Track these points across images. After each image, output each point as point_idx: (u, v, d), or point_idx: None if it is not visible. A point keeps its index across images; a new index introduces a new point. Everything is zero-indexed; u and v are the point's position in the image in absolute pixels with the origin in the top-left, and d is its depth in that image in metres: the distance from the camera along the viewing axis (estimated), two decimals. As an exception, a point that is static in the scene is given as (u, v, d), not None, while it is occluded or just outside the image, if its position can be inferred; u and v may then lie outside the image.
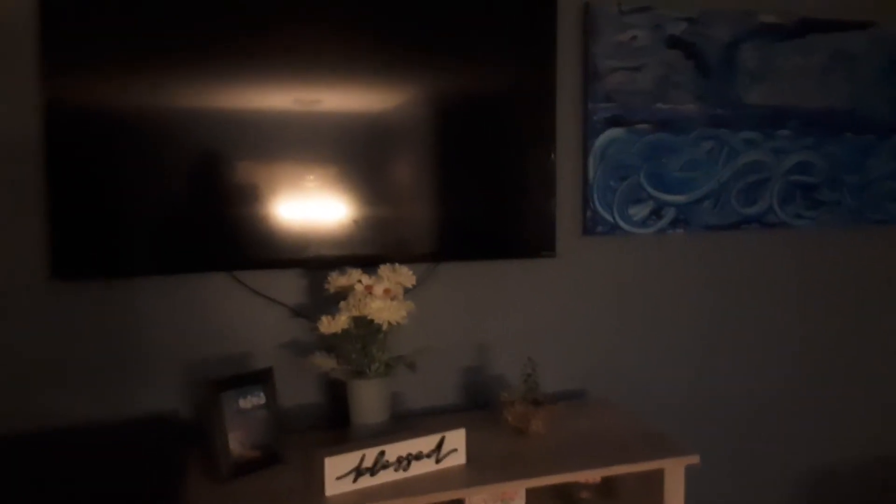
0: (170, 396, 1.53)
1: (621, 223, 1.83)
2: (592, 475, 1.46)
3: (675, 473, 1.45)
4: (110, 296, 1.48)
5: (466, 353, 1.76)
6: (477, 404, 1.76)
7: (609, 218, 1.82)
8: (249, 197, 1.49)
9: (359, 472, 1.29)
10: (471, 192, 1.67)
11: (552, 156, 1.71)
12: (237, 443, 1.35)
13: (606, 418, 1.66)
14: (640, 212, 1.84)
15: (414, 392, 1.70)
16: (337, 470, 1.26)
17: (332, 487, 1.26)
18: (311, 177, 1.53)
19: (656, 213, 1.86)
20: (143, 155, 1.43)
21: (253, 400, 1.39)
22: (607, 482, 1.55)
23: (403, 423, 1.52)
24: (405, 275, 1.47)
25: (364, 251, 1.58)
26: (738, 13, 1.90)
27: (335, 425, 1.61)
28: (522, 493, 1.52)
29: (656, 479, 1.46)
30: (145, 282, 1.50)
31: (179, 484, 1.25)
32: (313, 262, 1.56)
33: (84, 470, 1.41)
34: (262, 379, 1.41)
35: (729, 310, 2.00)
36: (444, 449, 1.38)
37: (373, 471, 1.30)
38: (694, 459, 1.45)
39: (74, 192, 1.39)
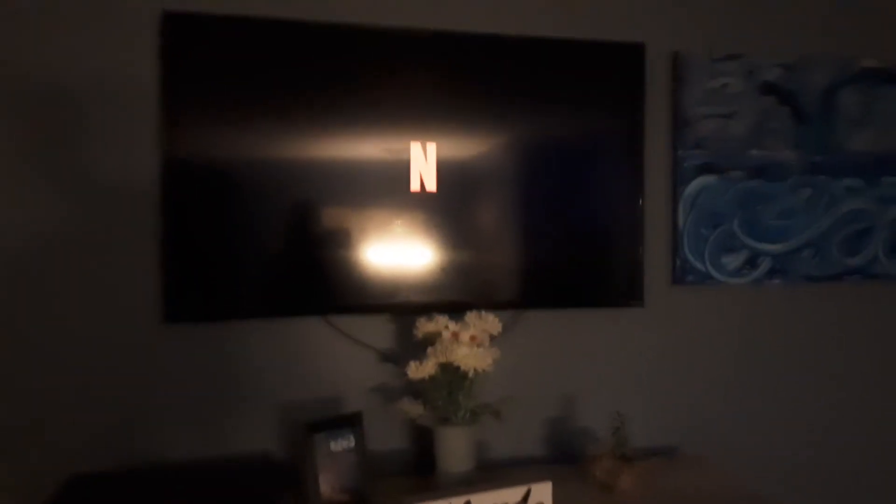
0: (263, 436, 1.58)
1: (713, 272, 1.78)
2: (686, 537, 1.40)
3: (776, 540, 1.36)
4: (213, 338, 1.56)
5: (551, 403, 1.74)
6: (562, 456, 1.72)
7: (700, 267, 1.77)
8: (342, 244, 1.55)
9: (445, 520, 1.28)
10: (556, 240, 1.67)
11: (640, 202, 1.70)
12: (327, 485, 1.37)
13: (699, 477, 1.59)
14: (733, 261, 1.79)
15: (498, 441, 1.69)
16: (423, 518, 1.26)
17: (418, 535, 1.26)
18: (399, 222, 1.57)
19: (751, 262, 1.80)
20: (245, 206, 1.51)
21: (343, 443, 1.41)
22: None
23: (488, 472, 1.51)
24: (491, 322, 1.48)
25: (451, 297, 1.60)
26: (837, 58, 1.85)
27: (421, 471, 1.61)
28: (611, 552, 1.47)
29: (756, 545, 1.38)
30: (245, 325, 1.57)
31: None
32: (401, 307, 1.59)
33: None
34: (352, 423, 1.44)
35: (830, 366, 1.89)
36: (531, 502, 1.36)
37: (459, 520, 1.29)
38: (797, 526, 1.37)
39: (185, 242, 1.49)
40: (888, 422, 1.92)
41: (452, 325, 1.45)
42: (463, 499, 1.30)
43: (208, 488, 1.40)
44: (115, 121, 1.50)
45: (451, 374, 1.43)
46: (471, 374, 1.42)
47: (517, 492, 1.35)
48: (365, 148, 1.55)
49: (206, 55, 1.48)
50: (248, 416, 1.58)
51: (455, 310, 1.52)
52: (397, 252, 1.57)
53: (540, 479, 1.38)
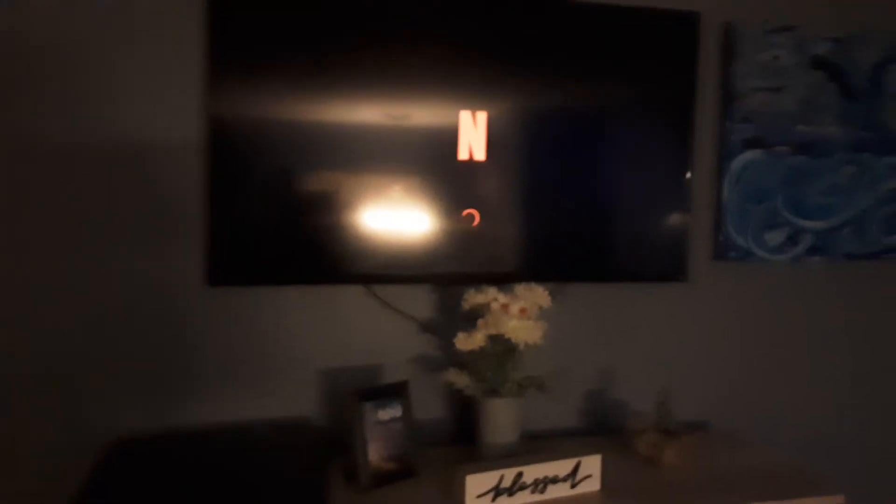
0: (303, 402, 1.57)
1: (755, 249, 1.76)
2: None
3: (820, 515, 1.38)
4: (256, 302, 1.54)
5: (590, 376, 1.73)
6: (599, 428, 1.72)
7: (742, 243, 1.75)
8: (386, 212, 1.52)
9: (497, 491, 1.28)
10: (602, 212, 1.65)
11: (688, 176, 1.67)
12: (375, 454, 1.37)
13: (740, 451, 1.60)
14: (775, 238, 1.77)
15: (536, 412, 1.67)
16: (477, 488, 1.27)
17: (471, 505, 1.26)
18: (443, 191, 1.54)
19: (792, 239, 1.79)
20: (289, 172, 1.48)
21: (390, 412, 1.41)
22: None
23: (531, 444, 1.51)
24: (541, 295, 1.46)
25: (493, 268, 1.59)
26: (886, 34, 1.81)
27: (459, 441, 1.61)
28: (657, 525, 1.48)
29: (799, 519, 1.39)
30: (287, 290, 1.55)
31: (323, 490, 1.28)
32: (442, 277, 1.57)
33: (230, 470, 1.47)
34: (399, 392, 1.44)
35: (868, 345, 1.89)
36: (580, 474, 1.36)
37: (511, 491, 1.30)
38: (839, 500, 1.38)
39: (229, 205, 1.45)
40: (918, 400, 1.94)
41: (502, 297, 1.44)
42: (515, 470, 1.31)
43: (254, 453, 1.39)
44: (159, 81, 1.45)
45: (501, 346, 1.42)
46: (521, 346, 1.41)
47: (567, 464, 1.36)
48: (413, 115, 1.51)
49: (251, 18, 1.43)
50: (289, 381, 1.57)
51: (497, 281, 1.50)
52: (439, 221, 1.55)
53: (584, 451, 1.39)
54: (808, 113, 1.77)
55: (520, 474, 1.31)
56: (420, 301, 1.63)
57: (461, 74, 1.54)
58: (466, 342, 1.42)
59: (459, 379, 1.46)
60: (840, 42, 1.77)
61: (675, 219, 1.67)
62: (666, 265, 1.69)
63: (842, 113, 1.79)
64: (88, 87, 1.43)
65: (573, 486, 1.36)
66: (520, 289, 1.46)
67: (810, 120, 1.77)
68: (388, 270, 1.54)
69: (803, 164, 1.77)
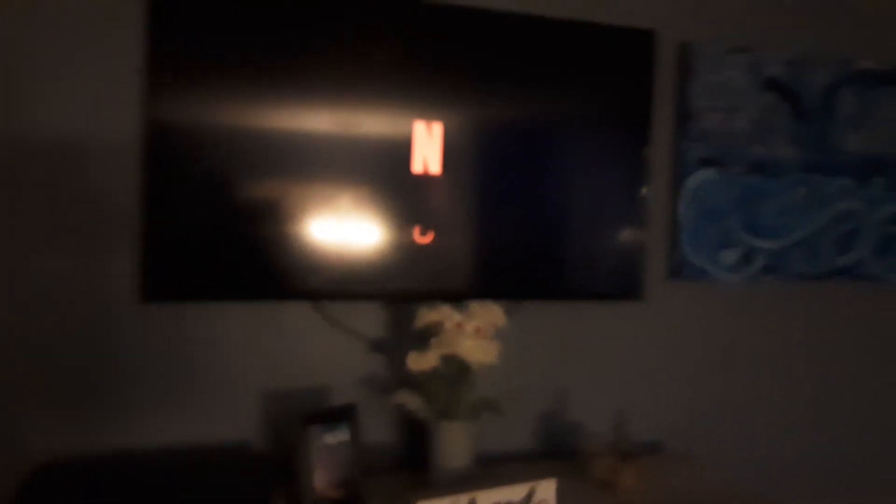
0: (241, 425, 1.49)
1: (709, 268, 1.75)
2: (687, 537, 1.38)
3: (777, 540, 1.35)
4: (192, 320, 1.45)
5: (545, 396, 1.69)
6: (553, 450, 1.68)
7: (696, 262, 1.74)
8: (334, 226, 1.45)
9: (449, 520, 1.22)
10: (556, 230, 1.61)
11: (643, 194, 1.65)
12: (321, 480, 1.30)
13: (695, 475, 1.57)
14: (729, 257, 1.77)
15: (489, 434, 1.62)
16: (428, 517, 1.20)
17: (421, 535, 1.19)
18: (395, 205, 1.48)
19: (746, 258, 1.79)
20: (232, 182, 1.40)
21: (338, 436, 1.34)
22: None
23: (483, 467, 1.45)
24: (496, 313, 1.42)
25: (445, 286, 1.53)
26: (837, 57, 1.84)
27: (409, 466, 1.55)
28: (612, 552, 1.44)
29: (756, 544, 1.37)
30: (227, 307, 1.46)
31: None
32: (392, 295, 1.51)
33: (163, 498, 1.37)
34: (346, 415, 1.36)
35: (821, 365, 1.91)
36: (534, 500, 1.31)
37: (463, 520, 1.23)
38: (794, 525, 1.36)
39: (166, 215, 1.36)
40: (871, 418, 1.95)
41: (456, 316, 1.38)
42: (468, 496, 1.25)
43: (190, 479, 1.30)
44: (94, 80, 1.36)
45: (454, 367, 1.37)
46: (476, 367, 1.35)
47: (521, 489, 1.30)
48: (365, 125, 1.45)
49: (194, 19, 1.36)
50: (229, 403, 1.48)
51: (450, 298, 1.45)
52: (392, 236, 1.49)
53: (537, 474, 1.34)
54: (762, 133, 1.78)
55: (472, 501, 1.24)
56: (370, 319, 1.56)
57: (416, 83, 1.49)
58: (419, 362, 1.36)
59: (411, 401, 1.40)
60: (792, 64, 1.79)
61: (630, 237, 1.65)
62: (621, 283, 1.66)
63: (794, 134, 1.81)
64: (17, 84, 1.33)
65: (528, 513, 1.30)
66: (475, 307, 1.41)
67: (764, 140, 1.78)
68: (337, 286, 1.47)
69: (757, 183, 1.78)
